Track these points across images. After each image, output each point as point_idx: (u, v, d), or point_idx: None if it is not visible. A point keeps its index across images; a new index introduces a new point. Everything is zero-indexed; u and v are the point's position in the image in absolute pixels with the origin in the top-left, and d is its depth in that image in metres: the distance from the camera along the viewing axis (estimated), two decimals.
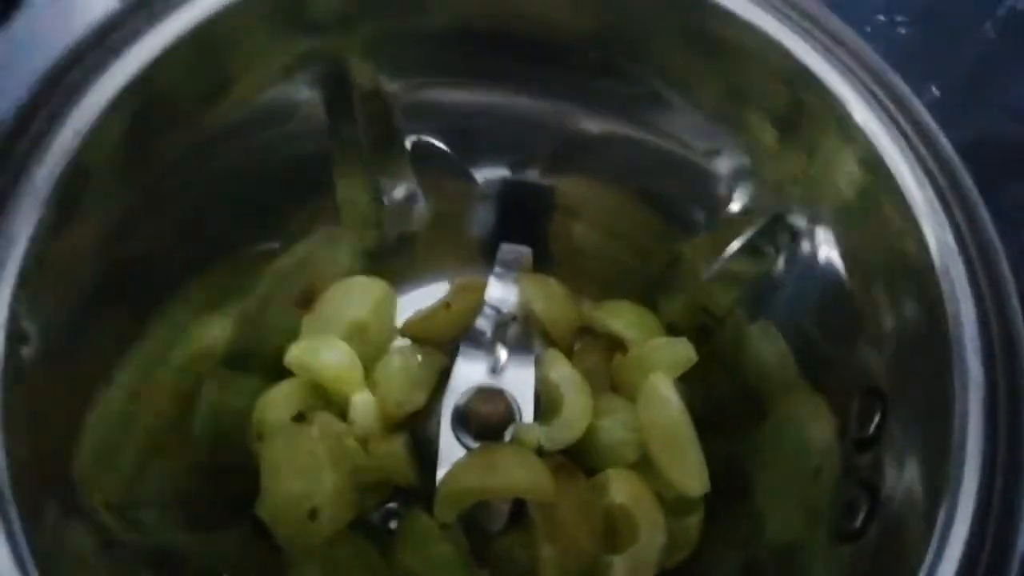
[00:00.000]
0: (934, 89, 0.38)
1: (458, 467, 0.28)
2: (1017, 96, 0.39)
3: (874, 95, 0.23)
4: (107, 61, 0.20)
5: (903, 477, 0.21)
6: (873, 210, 0.24)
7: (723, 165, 0.29)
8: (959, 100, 0.39)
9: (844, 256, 0.26)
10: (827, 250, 0.27)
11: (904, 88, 0.23)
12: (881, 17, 0.40)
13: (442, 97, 0.32)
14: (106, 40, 0.21)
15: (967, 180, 0.22)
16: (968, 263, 0.21)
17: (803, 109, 0.25)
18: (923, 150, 0.22)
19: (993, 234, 0.22)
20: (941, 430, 0.20)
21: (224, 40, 0.23)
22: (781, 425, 0.30)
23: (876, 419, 0.23)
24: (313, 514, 0.26)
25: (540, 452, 0.29)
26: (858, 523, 0.22)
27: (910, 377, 0.22)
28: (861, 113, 0.23)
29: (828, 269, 0.27)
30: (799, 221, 0.28)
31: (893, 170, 0.23)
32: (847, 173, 0.24)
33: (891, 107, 0.23)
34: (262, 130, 0.28)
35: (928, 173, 0.22)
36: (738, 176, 0.28)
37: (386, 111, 0.31)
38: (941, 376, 0.21)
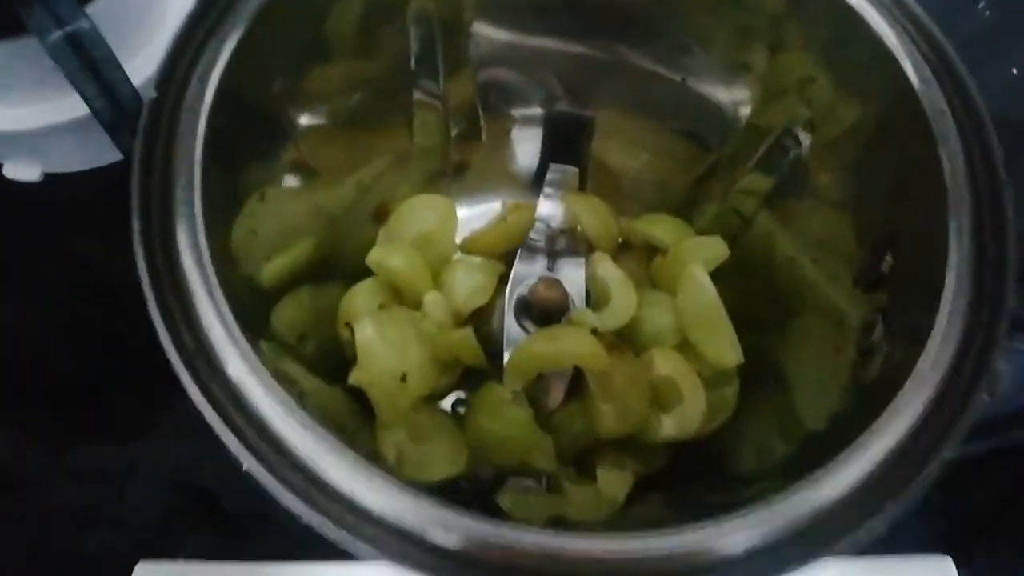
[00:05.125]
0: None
1: (525, 342, 0.32)
2: None
3: None
4: None
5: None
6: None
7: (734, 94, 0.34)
8: None
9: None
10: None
11: None
12: None
13: (505, 38, 0.36)
14: None
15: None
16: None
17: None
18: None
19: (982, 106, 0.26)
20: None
21: None
22: (808, 324, 0.34)
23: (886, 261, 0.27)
24: (404, 378, 0.30)
25: (594, 333, 0.33)
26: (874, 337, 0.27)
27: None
28: None
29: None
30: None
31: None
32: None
33: None
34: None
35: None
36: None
37: (465, 47, 0.36)
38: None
